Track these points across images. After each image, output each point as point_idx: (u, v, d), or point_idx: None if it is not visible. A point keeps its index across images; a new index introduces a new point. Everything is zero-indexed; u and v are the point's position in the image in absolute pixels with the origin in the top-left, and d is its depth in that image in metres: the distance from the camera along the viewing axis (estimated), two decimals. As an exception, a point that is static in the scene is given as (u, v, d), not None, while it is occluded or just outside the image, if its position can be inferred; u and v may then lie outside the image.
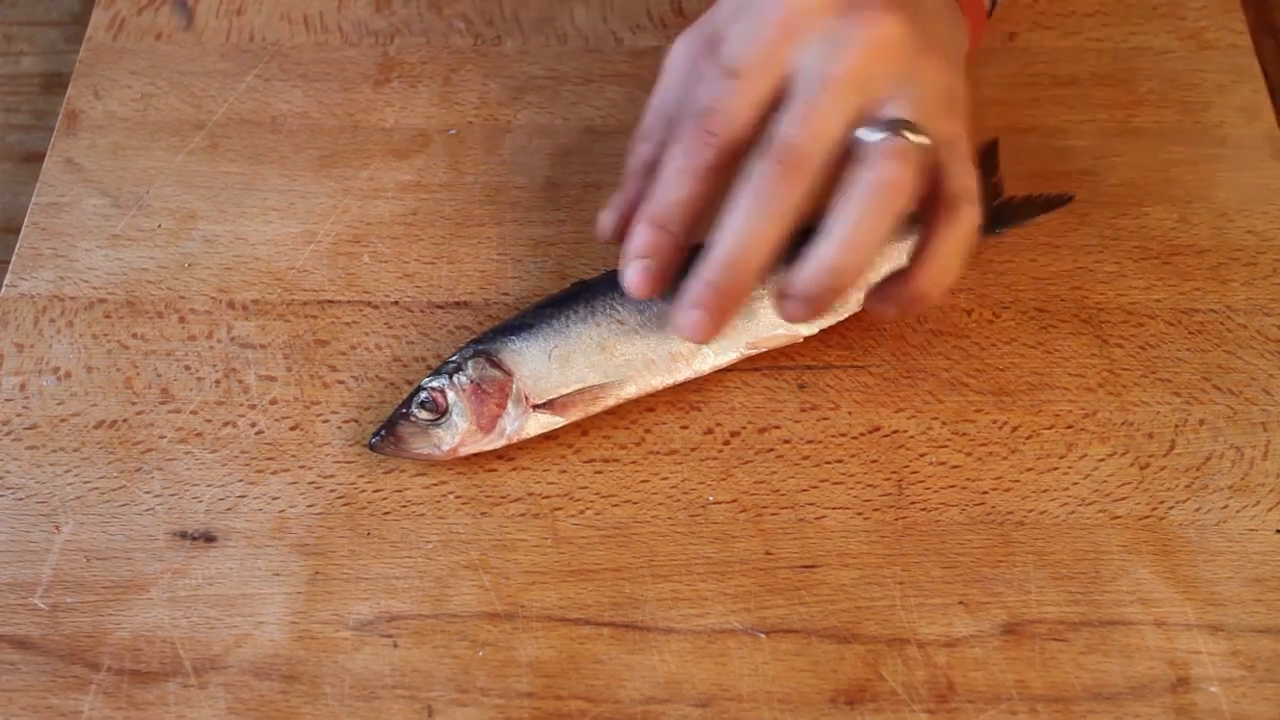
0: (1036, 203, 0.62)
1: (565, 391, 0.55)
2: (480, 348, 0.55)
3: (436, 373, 0.55)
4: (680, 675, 0.51)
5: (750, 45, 0.51)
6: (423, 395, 0.54)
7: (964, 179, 0.52)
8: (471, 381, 0.54)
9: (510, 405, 0.54)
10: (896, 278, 0.53)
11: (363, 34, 0.69)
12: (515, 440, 0.55)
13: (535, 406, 0.54)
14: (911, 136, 0.49)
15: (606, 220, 0.55)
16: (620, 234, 0.54)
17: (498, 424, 0.54)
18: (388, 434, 0.54)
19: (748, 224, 0.49)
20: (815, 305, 0.50)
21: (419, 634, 0.51)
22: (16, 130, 0.69)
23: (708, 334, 0.51)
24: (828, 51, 0.50)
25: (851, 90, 0.50)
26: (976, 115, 0.62)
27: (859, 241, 0.49)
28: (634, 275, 0.52)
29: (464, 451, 0.54)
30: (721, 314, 0.51)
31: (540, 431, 0.55)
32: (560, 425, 0.55)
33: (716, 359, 0.56)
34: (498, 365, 0.55)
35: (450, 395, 0.54)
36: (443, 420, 0.54)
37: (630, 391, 0.56)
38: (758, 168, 0.49)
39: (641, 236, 0.51)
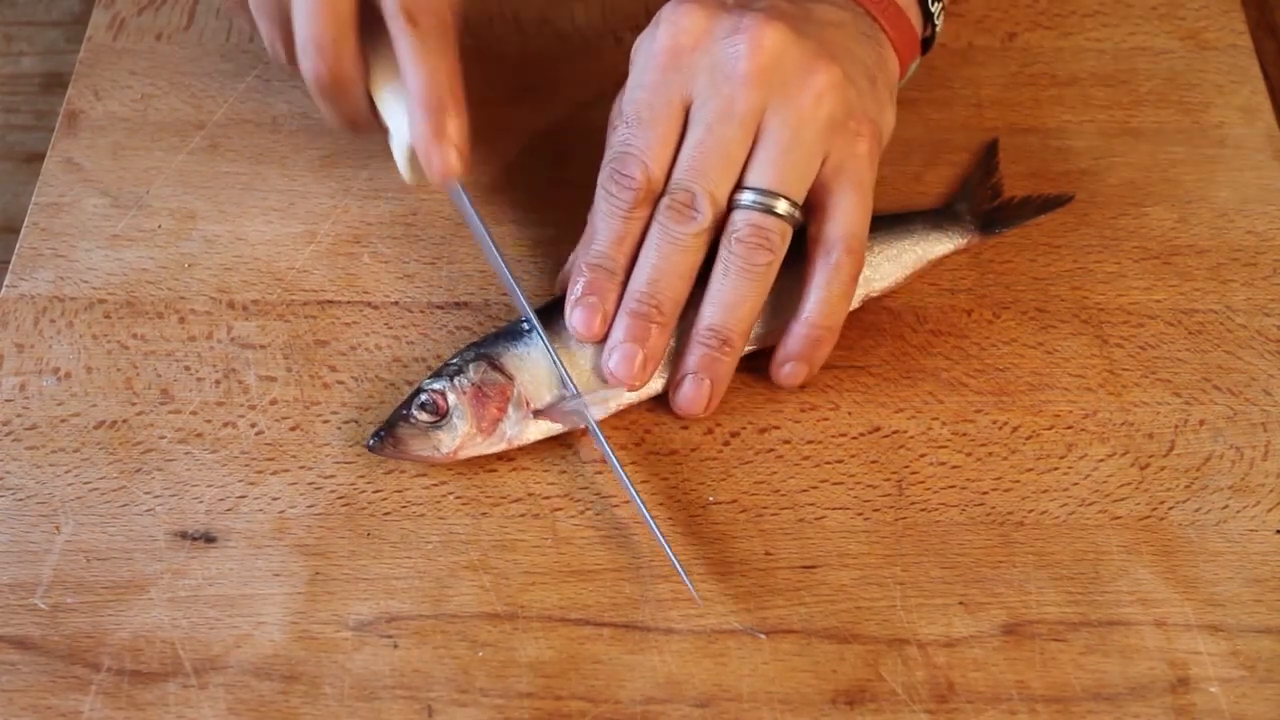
0: (1036, 203, 0.62)
1: (564, 397, 0.55)
2: (482, 351, 0.55)
3: (437, 375, 0.55)
4: (680, 675, 0.51)
5: (643, 90, 0.54)
6: (423, 397, 0.54)
7: (846, 223, 0.54)
8: (473, 384, 0.54)
9: (511, 409, 0.54)
10: (782, 340, 0.56)
11: (363, 34, 0.68)
12: (515, 445, 0.55)
13: (536, 412, 0.54)
14: (775, 209, 0.53)
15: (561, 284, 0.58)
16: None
17: (498, 428, 0.54)
18: (387, 435, 0.54)
19: (660, 260, 0.54)
20: (709, 370, 0.54)
21: (419, 634, 0.51)
22: (16, 130, 0.69)
23: (634, 367, 0.54)
24: (714, 81, 0.53)
25: (736, 124, 0.53)
26: (976, 115, 0.63)
27: (733, 307, 0.54)
28: (581, 315, 0.54)
29: (463, 454, 0.54)
30: (652, 346, 0.54)
31: (540, 437, 0.55)
32: (560, 431, 0.55)
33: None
34: (499, 369, 0.55)
35: (451, 398, 0.54)
36: (443, 423, 0.54)
37: (630, 395, 0.56)
38: (661, 210, 0.54)
39: (584, 277, 0.55)
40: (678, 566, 0.51)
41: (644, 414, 0.57)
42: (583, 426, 0.55)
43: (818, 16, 0.56)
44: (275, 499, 0.54)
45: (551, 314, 0.56)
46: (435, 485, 0.55)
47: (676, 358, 0.55)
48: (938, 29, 0.61)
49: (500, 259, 0.56)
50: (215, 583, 0.52)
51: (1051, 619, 0.52)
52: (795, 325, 0.55)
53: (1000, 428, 0.56)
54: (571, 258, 0.57)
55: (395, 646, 0.51)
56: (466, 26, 0.68)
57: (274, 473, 0.55)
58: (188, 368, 0.58)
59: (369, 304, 0.60)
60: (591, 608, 0.52)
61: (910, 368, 0.58)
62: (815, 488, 0.55)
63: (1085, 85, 0.67)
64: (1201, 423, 0.57)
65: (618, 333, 0.54)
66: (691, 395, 0.55)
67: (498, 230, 0.62)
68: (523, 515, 0.54)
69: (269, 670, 0.50)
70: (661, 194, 0.54)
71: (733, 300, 0.54)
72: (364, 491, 0.54)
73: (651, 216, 0.54)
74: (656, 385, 0.56)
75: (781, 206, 0.53)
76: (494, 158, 0.64)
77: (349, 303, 0.60)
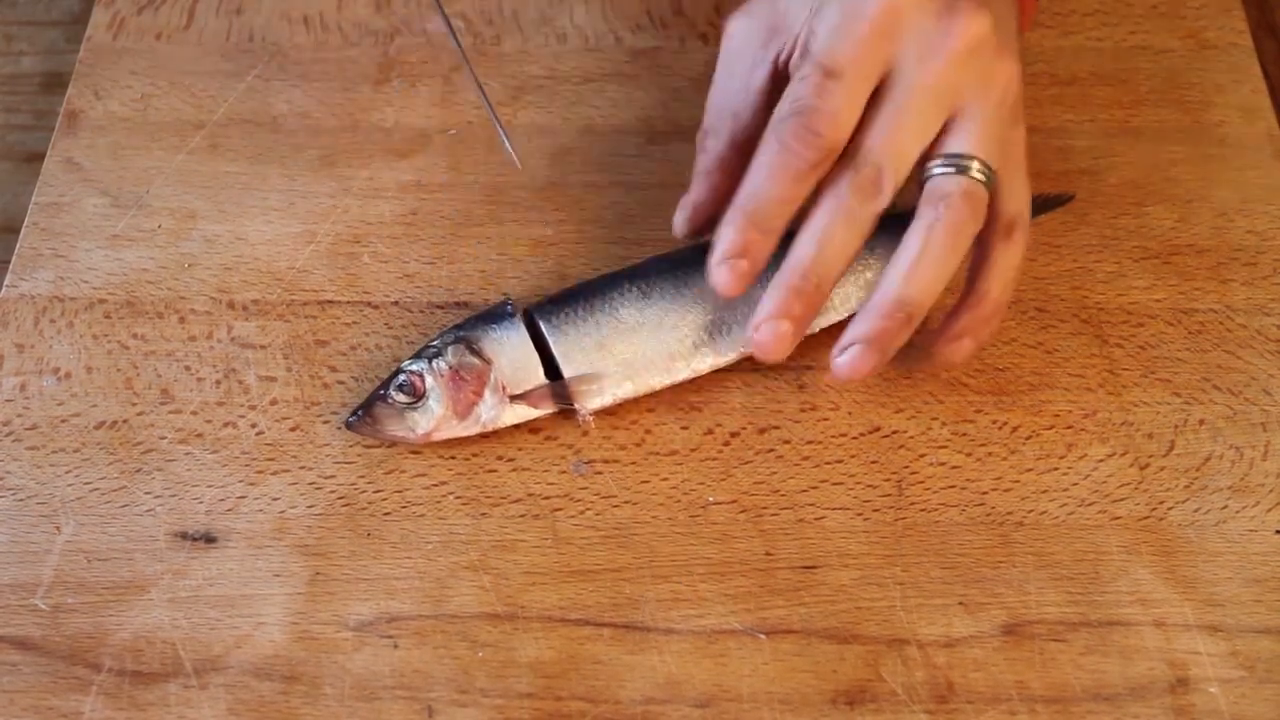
0: (1036, 203, 0.62)
1: (541, 384, 0.55)
2: (462, 334, 0.55)
3: (417, 356, 0.55)
4: (680, 676, 0.51)
5: (848, 43, 0.50)
6: (401, 378, 0.54)
7: (1018, 200, 0.53)
8: (450, 368, 0.54)
9: (488, 394, 0.54)
10: (953, 314, 0.53)
11: (363, 34, 0.69)
12: (490, 429, 0.55)
13: (513, 397, 0.54)
14: (977, 174, 0.50)
15: (680, 220, 0.55)
16: (695, 232, 0.54)
17: (474, 411, 0.54)
18: (365, 414, 0.54)
19: (831, 235, 0.50)
20: (882, 343, 0.50)
21: (419, 634, 0.51)
22: (16, 130, 0.69)
23: (787, 345, 0.51)
24: (922, 54, 0.50)
25: (936, 102, 0.50)
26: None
27: (928, 278, 0.50)
28: (726, 275, 0.50)
29: (438, 437, 0.54)
30: (802, 323, 0.51)
31: (517, 421, 0.55)
32: (537, 416, 0.55)
33: (716, 359, 0.56)
34: (477, 353, 0.55)
35: (428, 380, 0.54)
36: (419, 404, 0.54)
37: (626, 390, 0.56)
38: (844, 180, 0.50)
39: (738, 235, 0.50)
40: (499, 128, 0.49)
41: (644, 414, 0.57)
42: (556, 410, 0.55)
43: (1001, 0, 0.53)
44: (275, 499, 0.54)
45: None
46: (435, 485, 0.55)
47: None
48: None
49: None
50: (215, 583, 0.52)
51: (1051, 619, 0.52)
52: (971, 299, 0.53)
53: (1000, 428, 0.56)
54: (687, 198, 0.54)
55: (395, 647, 0.51)
56: (466, 26, 0.69)
57: (274, 473, 0.55)
58: (188, 368, 0.58)
59: (369, 304, 0.60)
60: (591, 608, 0.52)
61: (910, 368, 0.58)
62: (815, 488, 0.55)
63: (1085, 85, 0.67)
64: (1201, 423, 0.57)
65: (775, 305, 0.50)
66: (859, 367, 0.50)
67: (497, 230, 0.62)
68: (523, 515, 0.54)
69: (269, 670, 0.50)
70: (838, 161, 0.50)
71: (933, 274, 0.50)
72: (364, 491, 0.55)
73: (823, 181, 0.50)
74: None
75: (980, 172, 0.50)
76: (494, 158, 0.64)
77: (349, 303, 0.60)
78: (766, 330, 0.50)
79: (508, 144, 0.48)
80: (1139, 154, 0.65)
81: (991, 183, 0.51)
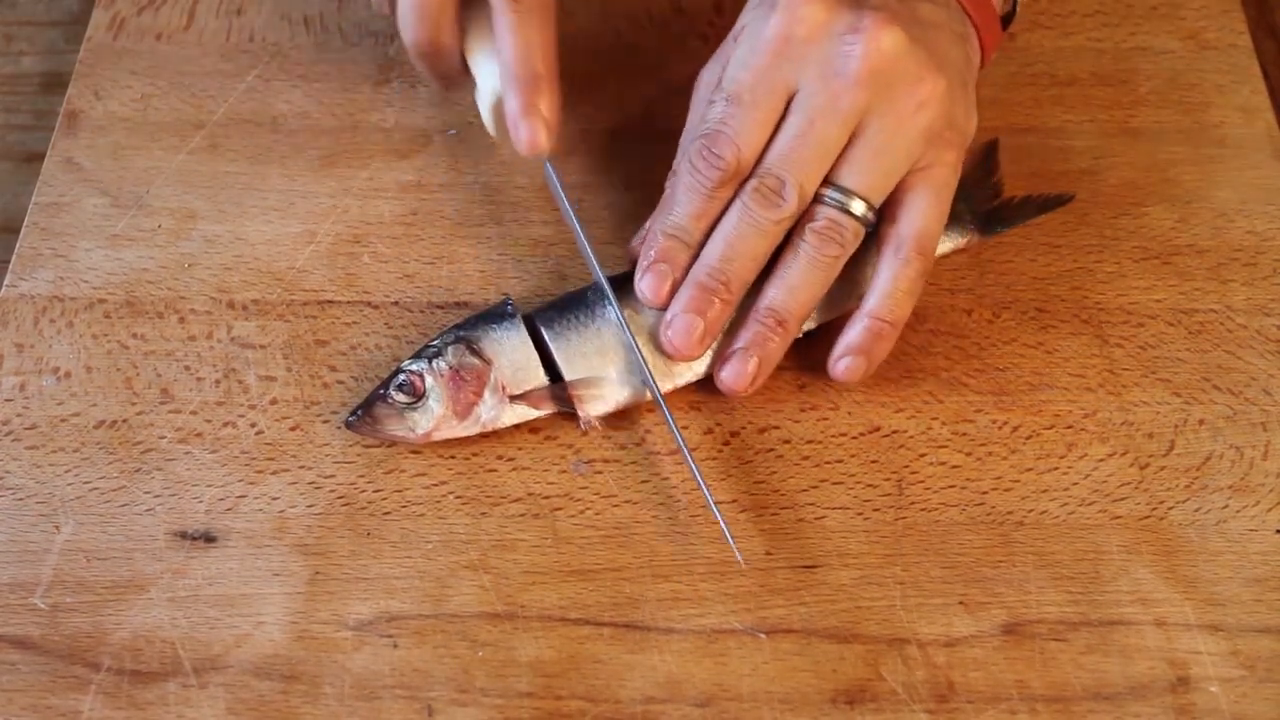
0: (1036, 203, 0.62)
1: (541, 385, 0.55)
2: (462, 334, 0.55)
3: (417, 356, 0.55)
4: (680, 675, 0.51)
5: (748, 71, 0.54)
6: (401, 378, 0.54)
7: (921, 220, 0.55)
8: (450, 368, 0.54)
9: (487, 394, 0.54)
10: (842, 331, 0.55)
11: (363, 34, 0.69)
12: (490, 429, 0.55)
13: (513, 397, 0.54)
14: (854, 210, 0.54)
15: (636, 243, 0.58)
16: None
17: (473, 411, 0.54)
18: (365, 414, 0.54)
19: (736, 238, 0.54)
20: (761, 348, 0.54)
21: (419, 634, 0.51)
22: (16, 130, 0.69)
23: (697, 342, 0.54)
24: (823, 75, 0.53)
25: (837, 120, 0.53)
26: (977, 115, 0.62)
27: (796, 293, 0.54)
28: (650, 281, 0.55)
29: (438, 436, 0.54)
30: (714, 322, 0.54)
31: (517, 421, 0.55)
32: (537, 416, 0.55)
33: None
34: (477, 353, 0.55)
35: (428, 380, 0.54)
36: (419, 404, 0.54)
37: (627, 395, 0.56)
38: (748, 190, 0.54)
39: (656, 244, 0.55)
40: (720, 518, 0.52)
41: (644, 414, 0.57)
42: (556, 411, 0.55)
43: (922, 16, 0.55)
44: (275, 499, 0.54)
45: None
46: (435, 485, 0.55)
47: (727, 337, 0.55)
48: (1018, 5, 0.61)
49: (580, 230, 0.57)
50: (215, 582, 0.52)
51: (1051, 619, 0.52)
52: (858, 317, 0.55)
53: (1000, 427, 0.56)
54: (645, 227, 0.57)
55: (395, 646, 0.51)
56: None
57: (274, 473, 0.55)
58: (188, 367, 0.58)
59: (369, 304, 0.60)
60: (591, 607, 0.52)
61: (910, 367, 0.58)
62: (815, 487, 0.55)
63: (1085, 85, 0.67)
64: (1201, 422, 0.57)
65: (680, 302, 0.54)
66: (739, 370, 0.54)
67: (497, 230, 0.62)
68: (523, 515, 0.54)
69: (269, 670, 0.50)
70: (748, 176, 0.54)
71: (797, 284, 0.54)
72: (364, 491, 0.54)
73: (734, 196, 0.54)
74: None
75: (859, 208, 0.54)
76: (494, 158, 0.64)
77: (349, 303, 0.60)
78: (678, 324, 0.54)
79: (731, 540, 0.53)
80: (1139, 154, 0.65)
81: (866, 218, 0.54)
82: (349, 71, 0.67)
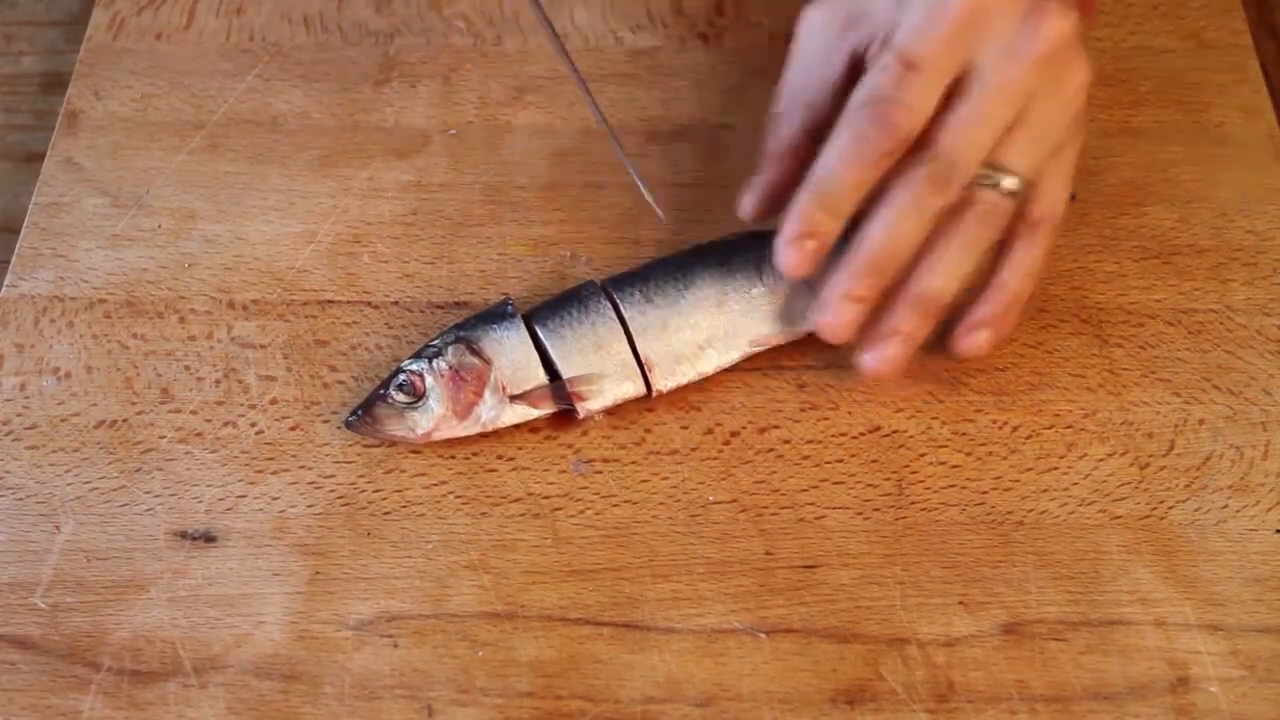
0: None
1: (541, 384, 0.55)
2: (462, 334, 0.55)
3: (417, 356, 0.55)
4: (680, 675, 0.51)
5: (930, 37, 0.51)
6: (401, 378, 0.54)
7: (1051, 202, 0.54)
8: (450, 368, 0.54)
9: (487, 394, 0.54)
10: (971, 306, 0.55)
11: (363, 34, 0.69)
12: (490, 429, 0.55)
13: (513, 397, 0.54)
14: (1007, 187, 0.52)
15: (748, 202, 0.56)
16: (763, 215, 0.55)
17: (473, 411, 0.54)
18: (365, 414, 0.54)
19: (901, 224, 0.51)
20: (908, 334, 0.53)
21: (419, 634, 0.51)
22: (16, 130, 0.69)
23: (853, 327, 0.52)
24: (1003, 55, 0.51)
25: (1009, 104, 0.51)
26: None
27: (943, 274, 0.52)
28: (794, 255, 0.52)
29: (438, 436, 0.54)
30: (868, 306, 0.52)
31: (517, 421, 0.55)
32: (538, 416, 0.55)
33: (720, 359, 0.56)
34: (477, 353, 0.55)
35: (428, 380, 0.54)
36: (419, 404, 0.54)
37: (626, 391, 0.56)
38: (918, 172, 0.51)
39: (807, 217, 0.51)
40: (638, 181, 0.50)
41: (644, 414, 0.57)
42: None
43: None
44: (275, 499, 0.54)
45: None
46: (435, 485, 0.55)
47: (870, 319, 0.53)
48: None
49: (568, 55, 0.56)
50: (215, 582, 0.52)
51: (1051, 619, 0.52)
52: (991, 291, 0.54)
53: (1000, 427, 0.56)
54: (756, 180, 0.55)
55: (395, 646, 0.51)
56: (467, 26, 0.69)
57: (274, 472, 0.55)
58: (188, 367, 0.58)
59: (369, 304, 0.60)
60: (591, 607, 0.52)
61: (910, 367, 0.58)
62: (815, 487, 0.55)
63: (1085, 85, 0.67)
64: (1201, 422, 0.57)
65: (840, 286, 0.52)
66: (888, 356, 0.53)
67: (497, 230, 0.62)
68: (523, 515, 0.54)
69: (269, 670, 0.50)
70: (910, 151, 0.51)
71: (953, 270, 0.52)
72: (364, 491, 0.55)
73: (891, 170, 0.51)
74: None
75: (1017, 190, 0.52)
76: (494, 158, 0.64)
77: (349, 303, 0.60)
78: (835, 310, 0.52)
79: (647, 194, 0.49)
80: (1139, 154, 0.64)
81: (1021, 194, 0.52)
82: (349, 71, 0.67)
